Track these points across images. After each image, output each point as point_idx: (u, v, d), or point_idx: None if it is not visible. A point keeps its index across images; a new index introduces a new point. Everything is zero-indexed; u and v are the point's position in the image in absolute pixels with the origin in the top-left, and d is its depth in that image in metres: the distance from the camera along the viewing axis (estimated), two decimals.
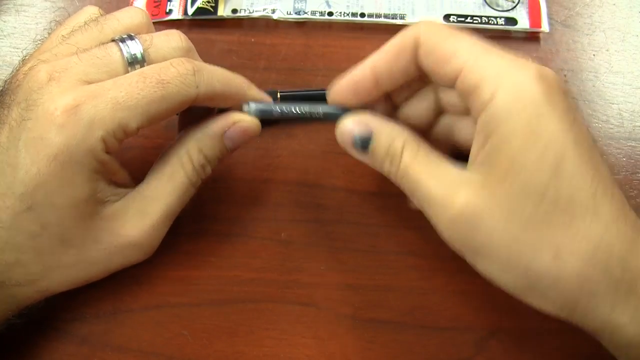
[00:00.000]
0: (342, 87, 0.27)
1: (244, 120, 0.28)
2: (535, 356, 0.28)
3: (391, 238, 0.31)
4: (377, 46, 0.35)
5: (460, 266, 0.30)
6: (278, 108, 0.28)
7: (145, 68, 0.25)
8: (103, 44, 0.26)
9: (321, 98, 0.32)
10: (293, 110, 0.28)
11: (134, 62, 0.25)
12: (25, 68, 0.25)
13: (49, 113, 0.23)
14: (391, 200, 0.31)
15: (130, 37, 0.26)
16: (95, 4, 0.37)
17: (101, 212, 0.26)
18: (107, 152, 0.25)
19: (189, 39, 0.35)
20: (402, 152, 0.25)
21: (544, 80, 0.23)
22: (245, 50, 0.35)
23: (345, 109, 0.27)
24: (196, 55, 0.28)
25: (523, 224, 0.22)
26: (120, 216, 0.26)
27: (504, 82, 0.23)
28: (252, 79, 0.34)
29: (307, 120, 0.30)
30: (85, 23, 0.27)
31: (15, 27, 0.36)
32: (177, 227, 0.30)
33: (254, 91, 0.28)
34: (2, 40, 0.35)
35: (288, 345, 0.28)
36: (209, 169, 0.28)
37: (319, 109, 0.28)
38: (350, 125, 0.27)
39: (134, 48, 0.25)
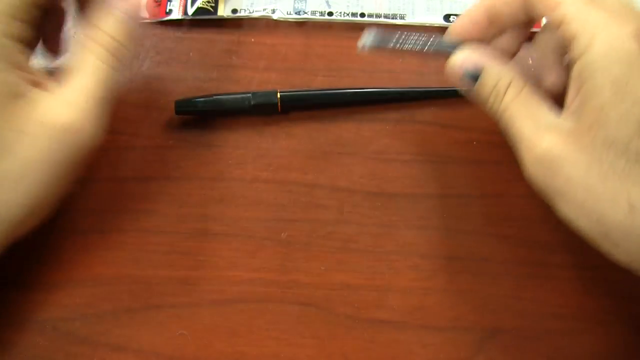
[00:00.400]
0: (460, 23, 0.29)
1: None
2: (535, 356, 0.28)
3: (391, 238, 0.31)
4: None
5: (460, 266, 0.30)
6: (395, 38, 0.29)
7: None
8: None
9: (322, 98, 0.32)
10: (408, 43, 0.29)
11: None
12: None
13: None
14: (391, 200, 0.31)
15: None
16: None
17: (19, 102, 0.25)
18: (15, 37, 0.25)
19: (189, 38, 0.35)
20: (506, 90, 0.27)
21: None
22: (245, 50, 0.35)
23: (457, 46, 0.29)
24: None
25: (602, 175, 0.23)
26: (43, 105, 0.25)
27: (601, 34, 0.24)
28: (252, 79, 0.34)
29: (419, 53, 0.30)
30: None
31: None
32: (177, 227, 0.31)
33: None
34: None
35: (288, 345, 0.28)
36: (122, 50, 0.28)
37: (434, 44, 0.29)
38: (462, 59, 0.28)
39: None
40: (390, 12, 0.36)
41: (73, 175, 0.27)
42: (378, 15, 0.36)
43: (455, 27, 0.29)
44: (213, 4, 0.36)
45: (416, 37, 0.29)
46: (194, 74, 0.34)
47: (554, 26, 0.26)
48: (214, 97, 0.32)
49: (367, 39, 0.29)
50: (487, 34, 0.29)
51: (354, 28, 0.36)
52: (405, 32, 0.29)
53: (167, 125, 0.32)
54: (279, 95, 0.32)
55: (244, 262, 0.30)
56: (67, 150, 0.26)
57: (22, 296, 0.29)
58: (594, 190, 0.23)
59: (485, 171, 0.32)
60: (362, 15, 0.36)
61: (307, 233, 0.31)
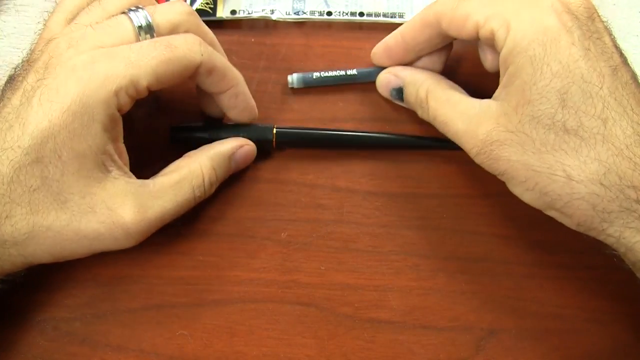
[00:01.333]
0: (377, 51, 0.32)
1: (249, 144, 0.31)
2: (535, 356, 0.28)
3: (391, 238, 0.31)
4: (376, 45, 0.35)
5: (460, 266, 0.30)
6: (317, 74, 0.33)
7: (157, 38, 0.27)
8: (112, 16, 0.27)
9: (318, 138, 0.32)
10: (330, 74, 0.33)
11: (142, 29, 0.27)
12: (42, 43, 0.27)
13: (67, 68, 0.25)
14: (391, 200, 0.31)
15: (137, 8, 0.27)
16: None
17: (103, 181, 0.26)
18: (119, 110, 0.26)
19: None
20: (427, 99, 0.29)
21: (562, 7, 0.25)
22: (245, 51, 0.35)
23: (377, 69, 0.33)
24: (199, 20, 0.29)
25: (537, 151, 0.25)
26: (120, 196, 0.26)
27: (514, 21, 0.25)
28: (252, 79, 0.34)
29: (345, 82, 0.34)
30: (87, 3, 0.28)
31: (15, 27, 0.36)
32: (177, 227, 0.31)
33: (244, 86, 0.30)
34: (2, 40, 0.35)
35: (288, 345, 0.28)
36: (214, 188, 0.30)
37: (354, 70, 0.33)
38: (384, 78, 0.32)
39: (142, 15, 0.27)
40: (389, 11, 0.36)
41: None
42: (377, 14, 0.36)
43: (375, 55, 0.32)
44: (212, 5, 0.35)
45: (335, 71, 0.33)
46: None
47: (473, 39, 0.27)
48: (209, 130, 0.31)
49: (291, 79, 0.33)
50: (405, 59, 0.31)
51: (353, 27, 0.36)
52: (324, 71, 0.33)
53: (166, 125, 0.32)
54: (274, 131, 0.31)
55: (244, 262, 0.30)
56: (109, 244, 0.27)
57: (22, 296, 0.29)
58: (532, 167, 0.25)
59: (485, 171, 0.32)
60: (361, 14, 0.36)
61: (307, 233, 0.31)
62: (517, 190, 0.26)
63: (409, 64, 0.32)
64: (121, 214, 0.26)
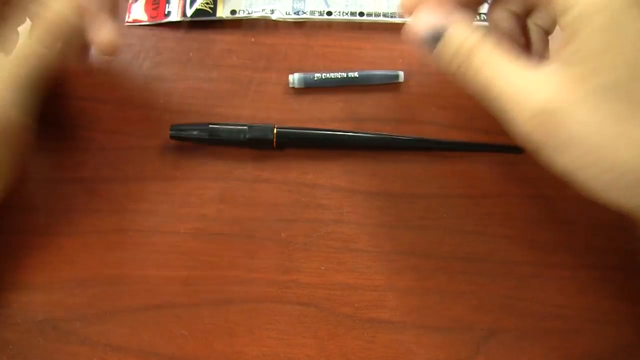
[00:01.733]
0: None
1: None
2: (535, 356, 0.28)
3: (391, 238, 0.30)
4: (376, 45, 0.35)
5: (460, 266, 0.30)
6: (318, 75, 0.33)
7: None
8: None
9: (318, 138, 0.32)
10: (331, 75, 0.33)
11: None
12: None
13: None
14: (391, 200, 0.31)
15: None
16: None
17: None
18: None
19: (189, 39, 0.35)
20: (474, 49, 0.25)
21: None
22: (245, 50, 0.35)
23: (378, 72, 0.32)
24: None
25: (607, 122, 0.23)
26: None
27: None
28: (252, 79, 0.34)
29: (346, 84, 0.33)
30: None
31: None
32: (177, 227, 0.31)
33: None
34: None
35: (288, 345, 0.28)
36: (62, 31, 0.27)
37: (355, 72, 0.32)
38: (422, 19, 0.27)
39: None
40: (389, 11, 0.36)
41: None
42: (377, 14, 0.36)
43: (407, 3, 0.28)
44: (212, 5, 0.36)
45: (336, 75, 0.32)
46: (194, 74, 0.34)
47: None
48: (209, 126, 0.31)
49: (292, 80, 0.33)
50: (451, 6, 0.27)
51: (353, 27, 0.36)
52: (325, 72, 0.33)
53: (167, 125, 0.32)
54: (275, 131, 0.31)
55: (244, 262, 0.30)
56: None
57: (22, 296, 0.29)
58: (600, 138, 0.23)
59: (485, 171, 0.32)
60: (361, 14, 0.36)
61: (307, 233, 0.31)
62: (573, 165, 0.24)
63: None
64: None
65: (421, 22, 0.27)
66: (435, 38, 0.26)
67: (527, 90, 0.24)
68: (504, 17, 0.29)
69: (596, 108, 0.23)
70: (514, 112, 0.25)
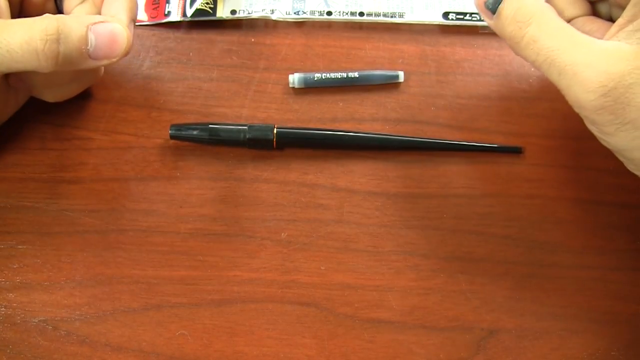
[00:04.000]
0: None
1: (115, 24, 0.27)
2: (535, 356, 0.28)
3: (391, 238, 0.30)
4: (376, 45, 0.35)
5: (460, 266, 0.30)
6: (318, 75, 0.33)
7: None
8: None
9: (318, 138, 0.32)
10: (331, 75, 0.33)
11: None
12: None
13: None
14: (391, 200, 0.31)
15: None
16: None
17: None
18: None
19: (189, 39, 0.35)
20: (532, 16, 0.24)
21: None
22: (245, 50, 0.35)
23: (378, 72, 0.32)
24: None
25: None
26: None
27: None
28: (252, 79, 0.34)
29: (346, 84, 0.33)
30: None
31: None
32: (177, 227, 0.31)
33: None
34: None
35: (288, 345, 0.28)
36: (58, 49, 0.26)
37: (355, 73, 0.33)
38: None
39: None
40: (390, 11, 0.36)
41: None
42: (377, 14, 0.36)
43: None
44: (212, 5, 0.36)
45: (337, 75, 0.32)
46: (194, 74, 0.34)
47: None
48: (209, 126, 0.31)
49: (292, 80, 0.33)
50: None
51: (353, 27, 0.36)
52: (325, 72, 0.33)
53: (167, 125, 0.32)
54: (275, 131, 0.31)
55: (244, 262, 0.30)
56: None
57: (22, 296, 0.29)
58: None
59: (485, 171, 0.32)
60: (361, 14, 0.36)
61: (307, 233, 0.31)
62: (632, 143, 0.23)
63: None
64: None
65: None
66: (495, 4, 0.25)
67: (596, 65, 0.23)
68: None
69: None
70: (581, 87, 0.23)
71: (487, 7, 0.26)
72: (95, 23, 0.27)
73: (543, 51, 0.24)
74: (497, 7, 0.25)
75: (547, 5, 0.25)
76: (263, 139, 0.31)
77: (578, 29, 0.25)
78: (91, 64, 0.27)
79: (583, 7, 0.27)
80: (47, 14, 0.27)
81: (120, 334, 0.28)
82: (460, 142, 0.32)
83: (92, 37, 0.27)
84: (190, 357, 0.28)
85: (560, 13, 0.26)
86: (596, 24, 0.26)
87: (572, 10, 0.27)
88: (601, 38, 0.25)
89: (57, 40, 0.26)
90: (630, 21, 0.23)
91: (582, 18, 0.27)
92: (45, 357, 0.28)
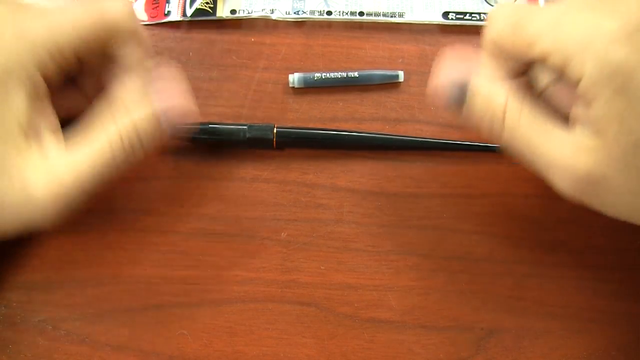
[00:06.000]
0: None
1: (184, 103, 0.27)
2: (535, 356, 0.28)
3: (391, 238, 0.30)
4: (376, 45, 0.35)
5: (460, 266, 0.30)
6: (318, 75, 0.33)
7: None
8: None
9: (318, 138, 0.32)
10: (331, 75, 0.33)
11: None
12: None
13: None
14: (391, 200, 0.31)
15: None
16: None
17: (23, 151, 0.24)
18: (45, 78, 0.25)
19: (189, 39, 0.35)
20: (505, 111, 0.25)
21: (623, 32, 0.23)
22: (245, 50, 0.35)
23: (378, 72, 0.32)
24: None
25: None
26: (35, 169, 0.24)
27: (586, 56, 0.23)
28: (252, 79, 0.34)
29: (346, 84, 0.33)
30: None
31: None
32: (177, 227, 0.31)
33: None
34: None
35: (288, 345, 0.28)
36: (138, 148, 0.26)
37: (355, 72, 0.33)
38: (443, 77, 0.26)
39: None
40: (389, 11, 0.36)
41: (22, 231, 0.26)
42: (377, 14, 0.36)
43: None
44: (212, 5, 0.35)
45: (336, 75, 0.32)
46: (194, 74, 0.34)
47: (540, 61, 0.25)
48: (209, 125, 0.31)
49: (292, 80, 0.33)
50: None
51: (353, 27, 0.36)
52: (325, 72, 0.33)
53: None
54: (275, 131, 0.31)
55: (244, 262, 0.30)
56: (20, 218, 0.25)
57: (22, 296, 0.29)
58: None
59: (485, 171, 0.32)
60: (361, 13, 0.36)
61: (307, 233, 0.31)
62: (621, 214, 0.25)
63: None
64: (34, 186, 0.24)
65: (443, 79, 0.26)
66: (461, 96, 0.25)
67: (569, 160, 0.24)
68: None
69: (629, 169, 0.23)
70: (557, 178, 0.24)
71: (452, 99, 0.25)
72: (162, 109, 0.27)
73: (519, 146, 0.25)
74: (464, 99, 0.25)
75: (514, 92, 0.25)
76: (263, 138, 0.31)
77: (550, 99, 0.26)
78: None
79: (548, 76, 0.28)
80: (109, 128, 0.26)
81: (120, 334, 0.28)
82: (460, 142, 0.32)
83: (165, 126, 0.27)
84: (190, 357, 0.28)
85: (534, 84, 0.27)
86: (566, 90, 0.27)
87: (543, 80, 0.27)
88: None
89: (129, 149, 0.26)
90: (585, 110, 0.24)
91: (551, 88, 0.27)
92: (45, 356, 0.28)
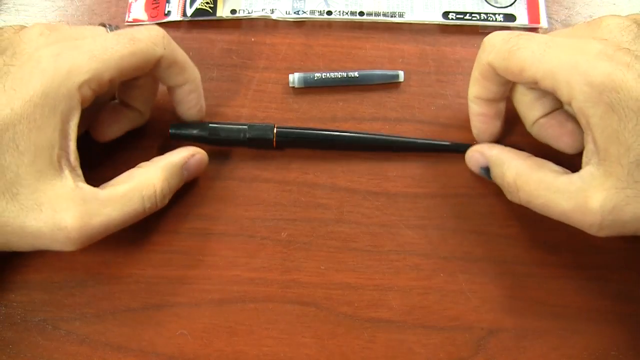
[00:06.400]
0: (478, 134, 0.31)
1: (200, 152, 0.30)
2: (535, 356, 0.28)
3: (391, 238, 0.30)
4: (376, 45, 0.35)
5: (460, 266, 0.30)
6: (318, 74, 0.33)
7: (121, 30, 0.28)
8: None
9: (318, 138, 0.32)
10: (331, 75, 0.33)
11: (113, 30, 0.29)
12: (15, 29, 0.27)
13: (33, 58, 0.25)
14: (391, 200, 0.31)
15: (118, 27, 0.29)
16: (94, 5, 0.37)
17: (54, 179, 0.25)
18: (81, 104, 0.26)
19: (189, 39, 0.35)
20: (515, 183, 0.28)
21: (612, 47, 0.24)
22: (245, 50, 0.35)
23: (379, 72, 0.33)
24: (173, 42, 0.29)
25: None
26: (67, 199, 0.25)
27: (573, 77, 0.24)
28: (252, 79, 0.34)
29: (346, 84, 0.33)
30: None
31: None
32: (177, 227, 0.31)
33: (200, 84, 0.31)
34: None
35: (288, 345, 0.28)
36: (167, 199, 0.29)
37: (355, 72, 0.33)
38: (472, 155, 0.31)
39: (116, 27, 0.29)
40: (389, 10, 0.36)
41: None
42: (377, 14, 0.36)
43: (478, 138, 0.31)
44: (212, 5, 0.35)
45: (336, 74, 0.33)
46: None
47: (531, 85, 0.27)
48: (209, 125, 0.31)
49: (292, 79, 0.33)
50: (495, 124, 0.30)
51: (353, 27, 0.36)
52: (325, 72, 0.33)
53: (167, 125, 0.32)
54: (275, 131, 0.31)
55: (244, 262, 0.30)
56: (48, 244, 0.26)
57: (22, 296, 0.29)
58: None
59: None
60: (361, 13, 0.36)
61: (307, 233, 0.31)
62: None
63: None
64: (65, 217, 0.25)
65: (472, 161, 0.31)
66: (486, 171, 0.30)
67: (581, 203, 0.25)
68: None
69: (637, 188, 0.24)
70: (585, 226, 0.25)
71: (481, 173, 0.31)
72: (186, 162, 0.30)
73: (538, 208, 0.27)
74: (489, 173, 0.30)
75: (524, 158, 0.28)
76: (263, 138, 0.31)
77: (542, 131, 0.29)
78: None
79: (541, 109, 0.29)
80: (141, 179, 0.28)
81: (120, 334, 0.28)
82: (460, 144, 0.32)
83: (185, 175, 0.30)
84: (190, 356, 0.28)
85: (524, 119, 0.30)
86: (556, 119, 0.29)
87: (532, 114, 0.29)
88: (562, 136, 0.29)
89: (157, 201, 0.28)
90: (587, 136, 0.25)
91: (542, 119, 0.29)
92: (45, 356, 0.28)
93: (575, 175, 0.26)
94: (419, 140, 0.32)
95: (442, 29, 0.35)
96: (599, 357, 0.28)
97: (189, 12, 0.35)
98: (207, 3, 0.35)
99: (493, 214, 0.31)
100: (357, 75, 0.33)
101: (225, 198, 0.31)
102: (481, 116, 0.30)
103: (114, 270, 0.30)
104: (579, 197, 0.25)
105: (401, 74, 0.34)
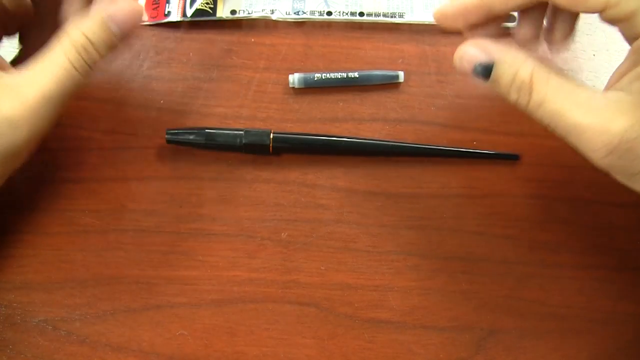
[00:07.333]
0: (449, 10, 0.27)
1: (128, 4, 0.28)
2: (535, 356, 0.28)
3: (391, 238, 0.30)
4: (376, 45, 0.35)
5: (460, 266, 0.30)
6: (318, 75, 0.33)
7: None
8: None
9: (316, 144, 0.32)
10: (331, 75, 0.33)
11: None
12: None
13: None
14: (391, 200, 0.31)
15: None
16: None
17: None
18: None
19: (189, 39, 0.35)
20: (531, 82, 0.24)
21: None
22: (245, 50, 0.35)
23: (379, 72, 0.32)
24: None
25: None
26: None
27: None
28: (252, 79, 0.34)
29: (346, 84, 0.33)
30: None
31: None
32: (177, 227, 0.31)
33: None
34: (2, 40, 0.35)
35: (288, 345, 0.28)
36: (94, 54, 0.27)
37: (355, 73, 0.33)
38: (472, 51, 0.25)
39: None
40: (389, 11, 0.36)
41: (6, 164, 0.26)
42: (377, 14, 0.36)
43: (441, 14, 0.27)
44: (212, 5, 0.36)
45: (336, 75, 0.32)
46: (194, 74, 0.34)
47: (592, 9, 0.24)
48: (206, 130, 0.31)
49: (292, 80, 0.33)
50: (486, 17, 0.26)
51: (353, 27, 0.36)
52: (325, 72, 0.33)
53: (167, 125, 0.32)
54: (272, 136, 0.31)
55: (244, 262, 0.30)
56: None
57: (22, 296, 0.29)
58: None
59: (486, 171, 0.32)
60: (361, 14, 0.36)
61: (307, 233, 0.31)
62: None
63: (489, 29, 0.27)
64: (0, 107, 0.25)
65: (468, 52, 0.26)
66: (485, 70, 0.25)
67: (601, 121, 0.23)
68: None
69: None
70: (587, 147, 0.24)
71: (476, 72, 0.25)
72: (107, 14, 0.27)
73: (547, 114, 0.24)
74: (490, 72, 0.25)
75: (540, 62, 0.25)
76: (259, 144, 0.31)
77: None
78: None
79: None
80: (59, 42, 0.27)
81: (120, 334, 0.28)
82: (458, 149, 0.32)
83: (114, 28, 0.27)
84: (190, 357, 0.28)
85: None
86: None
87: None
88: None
89: (86, 57, 0.27)
90: (630, 69, 0.23)
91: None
92: (45, 357, 0.28)
93: (600, 93, 0.24)
94: (417, 146, 0.32)
95: (442, 29, 0.35)
96: (599, 357, 0.28)
97: (189, 12, 0.35)
98: (207, 3, 0.35)
99: (493, 214, 0.31)
100: (357, 76, 0.33)
101: (225, 198, 0.31)
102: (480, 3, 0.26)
103: (114, 270, 0.30)
104: (603, 114, 0.23)
105: (401, 74, 0.34)
